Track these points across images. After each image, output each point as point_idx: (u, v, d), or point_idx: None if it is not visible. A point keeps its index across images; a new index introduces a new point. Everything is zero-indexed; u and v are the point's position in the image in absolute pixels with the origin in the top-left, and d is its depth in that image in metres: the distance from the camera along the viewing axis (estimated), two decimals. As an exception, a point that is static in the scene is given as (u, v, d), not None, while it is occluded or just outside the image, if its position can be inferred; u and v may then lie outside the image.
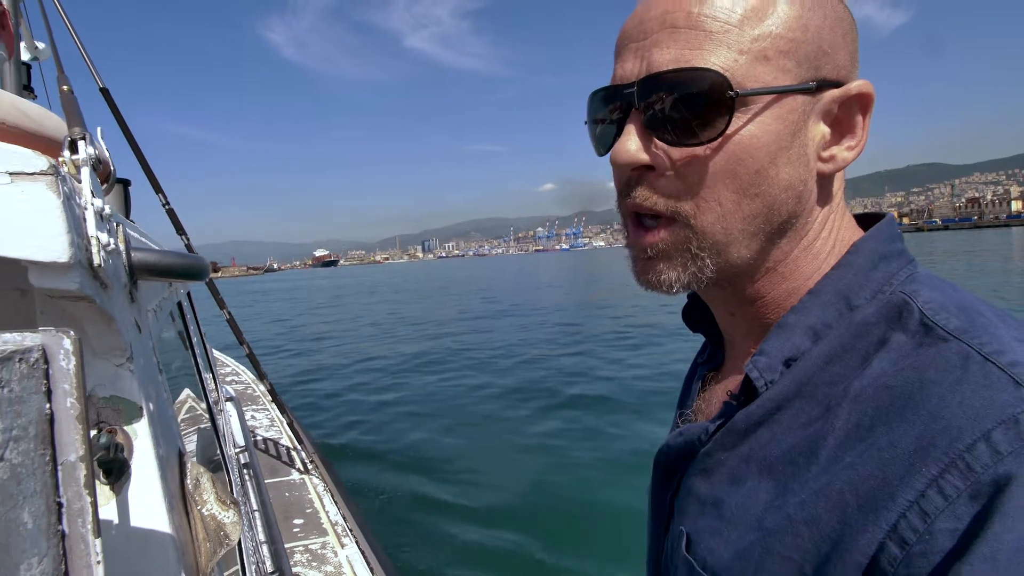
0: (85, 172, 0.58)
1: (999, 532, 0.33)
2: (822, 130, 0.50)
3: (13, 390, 0.32)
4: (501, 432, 7.01)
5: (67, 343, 0.35)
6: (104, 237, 0.53)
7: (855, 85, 0.50)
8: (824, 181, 0.52)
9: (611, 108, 0.53)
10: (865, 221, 0.57)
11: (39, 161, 0.44)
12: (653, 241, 0.52)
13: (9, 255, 0.42)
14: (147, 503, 0.56)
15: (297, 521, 3.38)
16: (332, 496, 3.72)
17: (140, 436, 0.57)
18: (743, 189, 0.48)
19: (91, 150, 0.64)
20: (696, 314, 0.68)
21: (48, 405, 0.35)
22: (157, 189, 3.64)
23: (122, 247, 0.65)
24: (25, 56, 3.74)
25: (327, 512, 3.48)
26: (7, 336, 0.35)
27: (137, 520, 0.55)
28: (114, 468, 0.53)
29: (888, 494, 0.38)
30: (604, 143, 0.56)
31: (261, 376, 4.36)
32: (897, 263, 0.51)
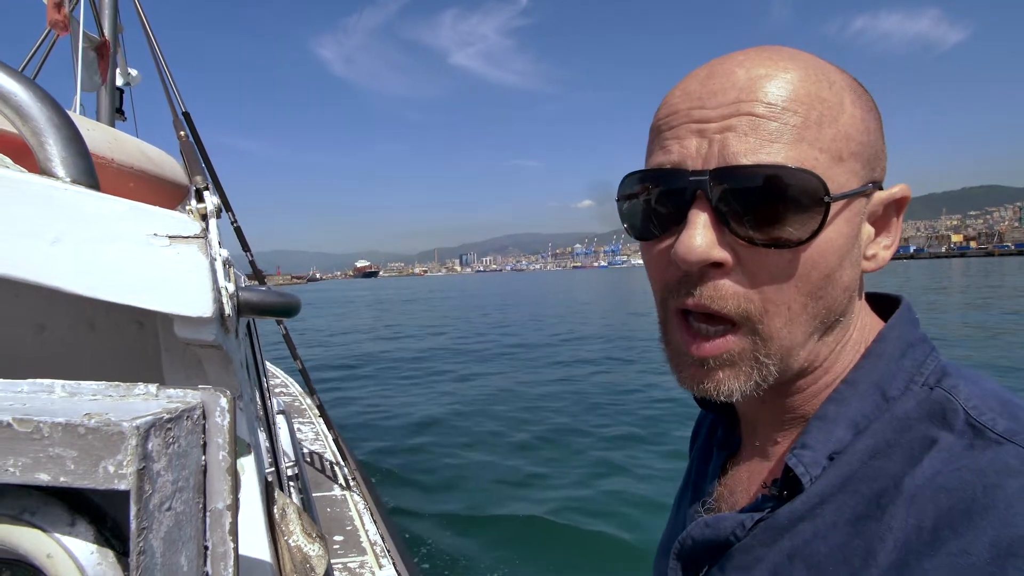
0: (213, 224, 0.64)
1: None
2: (868, 230, 0.51)
3: (181, 445, 0.36)
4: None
5: (223, 402, 0.39)
6: (230, 287, 0.58)
7: (898, 189, 0.51)
8: (861, 276, 0.53)
9: (668, 194, 0.49)
10: (875, 301, 0.57)
11: (193, 225, 0.49)
12: (717, 351, 0.49)
13: (164, 310, 0.47)
14: (250, 535, 0.59)
15: (337, 538, 3.43)
16: (372, 515, 3.76)
17: (247, 471, 0.61)
18: (811, 292, 0.47)
19: (216, 199, 0.70)
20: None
21: (203, 457, 0.39)
22: (227, 208, 3.85)
23: (234, 289, 0.70)
24: (119, 82, 4.07)
25: (367, 531, 3.52)
26: (172, 392, 0.40)
27: (243, 549, 0.59)
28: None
29: None
30: (647, 228, 0.52)
31: (311, 391, 4.49)
32: (922, 350, 0.51)
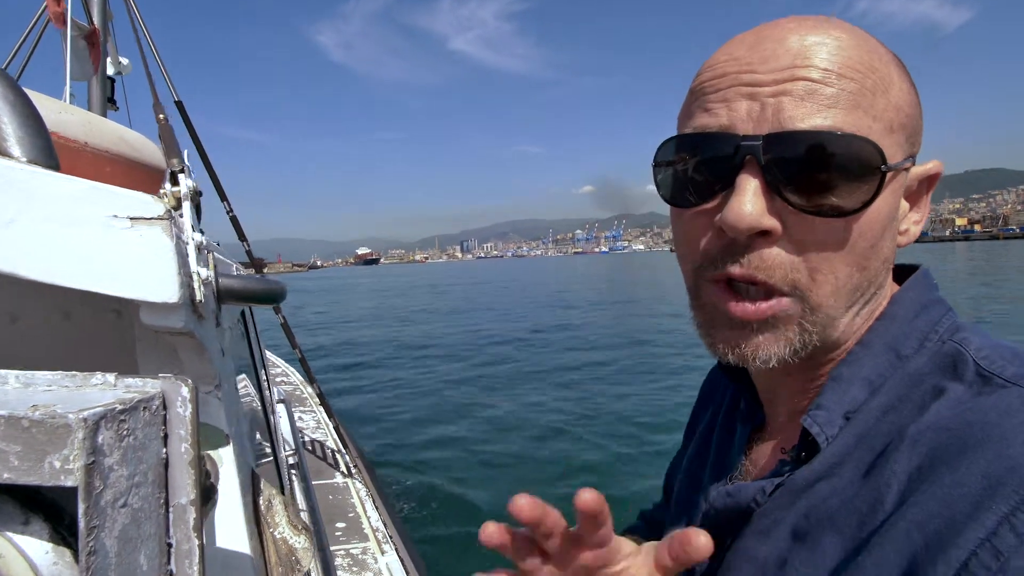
0: (187, 207, 0.61)
1: None
2: (904, 205, 0.51)
3: (137, 437, 0.34)
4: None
5: (184, 391, 0.37)
6: (204, 272, 0.56)
7: (932, 165, 0.51)
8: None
9: (715, 159, 0.47)
10: (895, 270, 0.57)
11: (157, 206, 0.46)
12: (762, 314, 0.47)
13: (125, 295, 0.45)
14: (230, 527, 0.58)
15: (339, 525, 3.44)
16: (373, 501, 3.77)
17: (225, 462, 0.59)
18: (857, 262, 0.47)
19: (191, 183, 0.67)
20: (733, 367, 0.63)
21: (164, 450, 0.37)
22: (223, 198, 3.82)
23: (213, 276, 0.68)
24: (110, 71, 4.01)
25: (368, 517, 3.53)
26: (130, 381, 0.37)
27: (221, 543, 0.57)
28: (204, 494, 0.55)
29: (957, 532, 0.37)
30: (689, 195, 0.50)
31: (311, 379, 4.49)
32: (937, 311, 0.51)
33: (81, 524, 0.31)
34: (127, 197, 0.45)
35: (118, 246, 0.44)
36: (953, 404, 0.43)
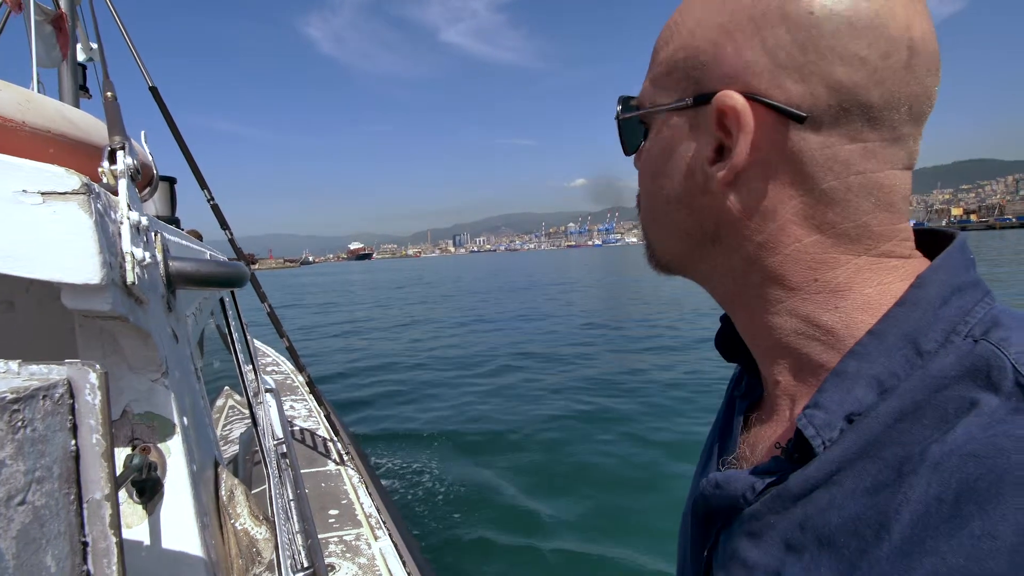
0: (123, 184, 0.58)
1: None
2: (707, 147, 0.53)
3: (36, 429, 0.31)
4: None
5: (93, 377, 0.34)
6: (139, 252, 0.52)
7: (718, 95, 0.46)
8: (772, 202, 0.51)
9: None
10: (930, 239, 0.50)
11: (71, 180, 0.43)
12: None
13: (41, 277, 0.41)
14: (179, 522, 0.55)
15: (332, 512, 3.44)
16: (367, 488, 3.77)
17: (173, 453, 0.56)
18: (644, 192, 0.57)
19: (129, 160, 0.63)
20: (729, 341, 0.61)
21: (73, 442, 0.33)
22: (203, 185, 3.74)
23: (160, 257, 0.64)
24: (81, 57, 3.89)
25: (361, 504, 3.53)
26: (33, 368, 0.34)
27: (169, 539, 0.54)
28: (147, 487, 0.52)
29: None
30: None
31: (300, 368, 4.45)
32: (972, 296, 0.44)
33: (-34, 525, 0.28)
34: (37, 171, 0.42)
35: (30, 224, 0.41)
36: (986, 423, 0.37)
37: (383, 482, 4.49)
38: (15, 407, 0.30)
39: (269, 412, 3.64)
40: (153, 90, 3.84)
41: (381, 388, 9.55)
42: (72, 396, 0.33)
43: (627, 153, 0.56)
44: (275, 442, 3.05)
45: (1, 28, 3.59)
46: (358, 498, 3.62)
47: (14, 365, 0.35)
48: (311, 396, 5.02)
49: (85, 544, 0.34)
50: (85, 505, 0.34)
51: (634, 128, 0.53)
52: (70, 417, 0.33)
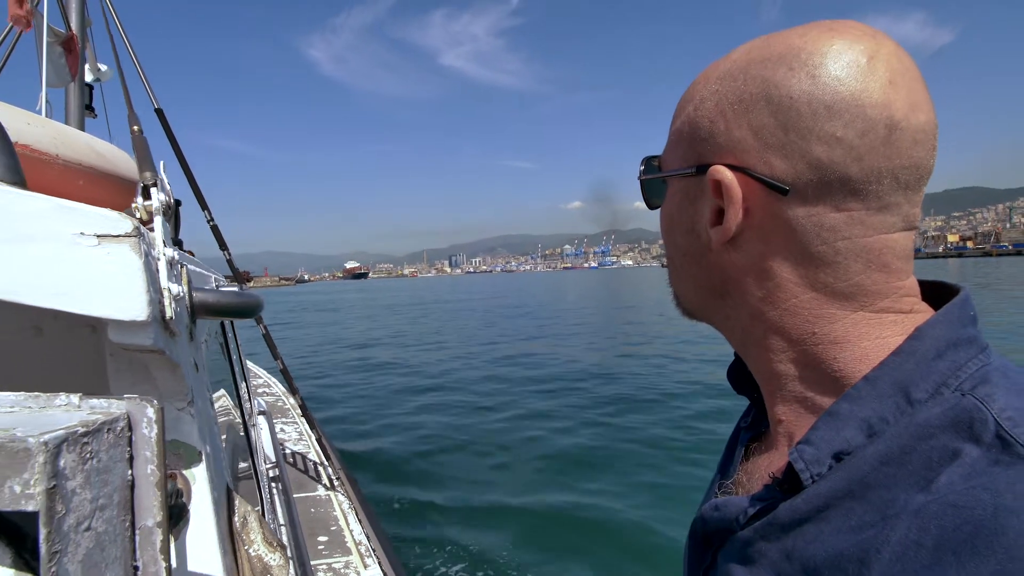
0: (158, 222, 0.61)
1: None
2: (707, 210, 0.58)
3: (101, 459, 0.34)
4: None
5: (150, 411, 0.37)
6: (175, 288, 0.55)
7: (711, 170, 0.53)
8: (772, 265, 0.55)
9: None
10: (934, 291, 0.52)
11: (124, 224, 0.46)
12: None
13: (92, 314, 0.44)
14: (204, 547, 0.57)
15: (322, 538, 3.39)
16: (356, 514, 3.72)
17: (199, 480, 0.58)
18: (670, 245, 0.62)
19: (163, 197, 0.67)
20: (740, 376, 0.65)
21: (130, 472, 0.36)
22: (204, 207, 3.77)
23: (186, 290, 0.67)
24: (88, 78, 3.95)
25: (351, 531, 3.49)
26: (95, 402, 0.37)
27: (194, 564, 0.56)
28: (174, 514, 0.54)
29: None
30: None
31: (293, 391, 4.43)
32: (966, 352, 0.46)
33: (43, 550, 0.31)
34: (94, 214, 0.45)
35: (85, 264, 0.44)
36: (967, 474, 0.39)
37: (373, 508, 4.43)
38: (85, 440, 0.33)
39: (261, 435, 3.61)
40: (159, 112, 3.89)
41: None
42: (130, 429, 0.36)
43: (650, 207, 0.61)
44: (267, 465, 3.02)
45: (11, 49, 3.65)
46: (348, 525, 3.58)
47: (75, 399, 0.38)
48: (303, 419, 4.98)
49: (136, 568, 0.36)
50: (138, 532, 0.36)
51: (656, 186, 0.59)
52: (128, 448, 0.36)
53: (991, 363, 0.45)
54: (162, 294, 0.52)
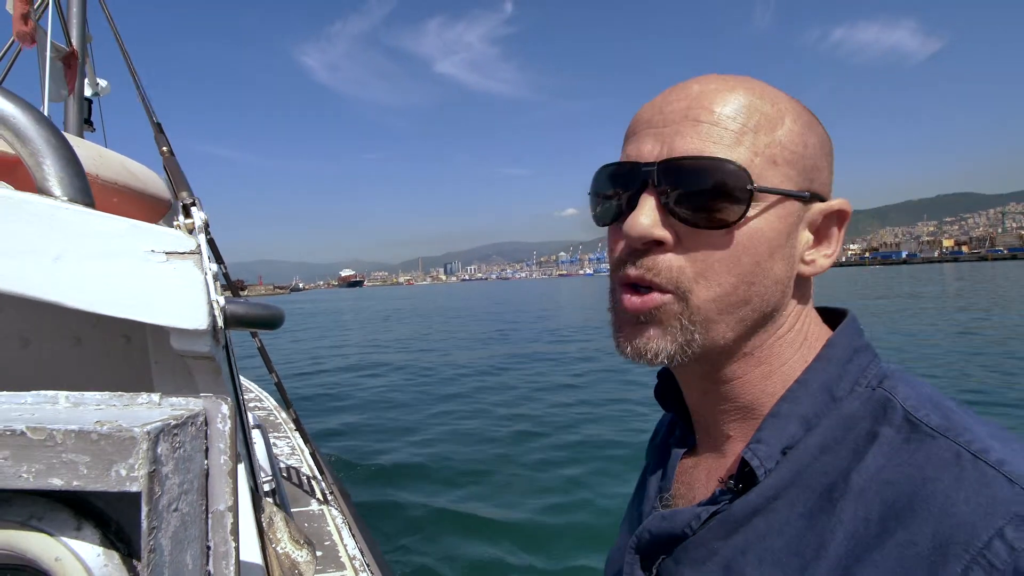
0: (202, 239, 0.66)
1: None
2: (807, 236, 0.57)
3: (186, 450, 0.39)
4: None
5: (225, 409, 0.42)
6: (221, 300, 0.61)
7: (837, 202, 0.57)
8: (802, 281, 0.58)
9: (625, 183, 0.56)
10: (825, 314, 0.63)
11: (189, 242, 0.51)
12: (647, 306, 0.54)
13: (163, 323, 0.49)
14: (244, 539, 0.61)
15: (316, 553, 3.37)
16: (350, 529, 3.71)
17: (239, 478, 0.63)
18: (741, 275, 0.53)
19: (203, 215, 0.72)
20: (667, 393, 0.71)
21: (206, 461, 0.41)
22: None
23: (223, 302, 0.72)
24: (87, 92, 3.99)
25: (345, 545, 3.48)
26: (174, 401, 0.42)
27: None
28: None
29: None
30: (609, 214, 0.59)
31: (287, 405, 4.43)
32: (866, 356, 0.56)
33: (144, 525, 0.35)
34: (162, 234, 0.50)
35: (156, 278, 0.49)
36: (888, 452, 0.48)
37: (367, 522, 4.40)
38: (175, 432, 0.38)
39: (254, 449, 3.60)
40: (158, 127, 3.94)
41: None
42: (207, 424, 0.41)
43: (703, 223, 0.53)
44: (264, 479, 3.02)
45: (12, 63, 3.69)
46: (342, 539, 3.56)
47: (155, 397, 0.43)
48: (296, 433, 4.97)
49: (208, 548, 0.41)
50: (211, 515, 0.41)
51: (725, 195, 0.52)
52: (204, 441, 0.41)
53: (883, 364, 0.56)
54: (213, 305, 0.57)
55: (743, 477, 0.54)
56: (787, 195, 0.53)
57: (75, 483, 0.35)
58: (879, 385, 0.53)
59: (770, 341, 0.57)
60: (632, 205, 0.55)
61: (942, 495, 0.43)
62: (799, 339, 0.58)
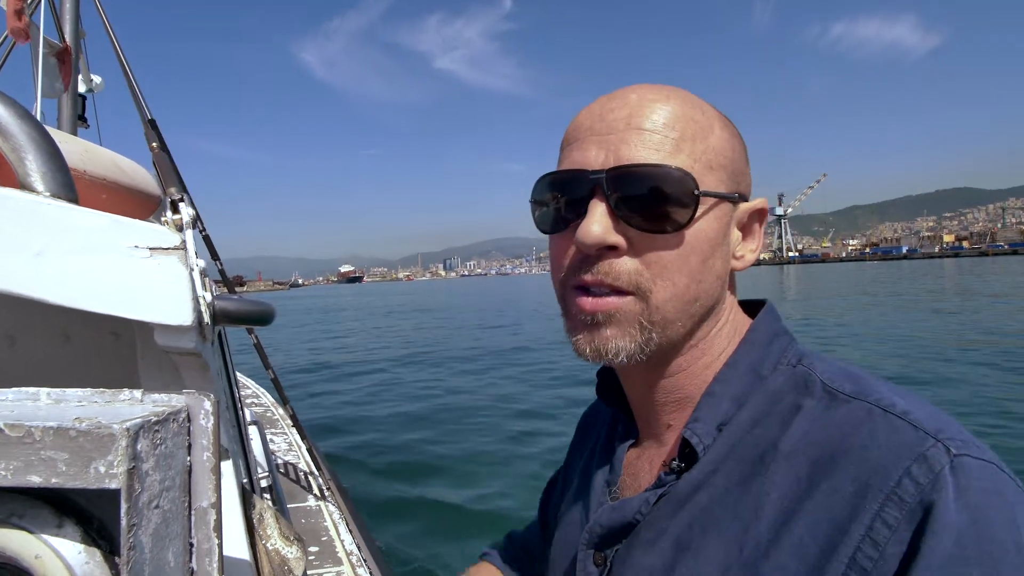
0: (189, 235, 0.65)
1: (933, 547, 0.42)
2: (736, 234, 0.61)
3: (168, 446, 0.38)
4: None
5: (207, 405, 0.41)
6: (207, 296, 0.60)
7: (759, 201, 0.62)
8: (732, 275, 0.63)
9: (571, 190, 0.57)
10: (745, 306, 0.67)
11: (173, 237, 0.51)
12: (605, 307, 0.55)
13: (146, 319, 0.49)
14: (231, 537, 0.61)
15: (312, 549, 3.38)
16: (347, 524, 3.72)
17: (225, 475, 0.63)
18: (692, 274, 0.56)
19: (191, 211, 0.71)
20: (608, 390, 0.74)
21: (188, 458, 0.41)
22: (198, 217, 3.79)
23: (211, 298, 0.72)
24: (81, 88, 3.97)
25: (342, 541, 3.48)
26: (156, 397, 0.42)
27: (224, 552, 0.60)
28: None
29: (842, 531, 0.46)
30: (552, 221, 0.60)
31: (284, 401, 4.43)
32: (785, 339, 0.62)
33: (123, 522, 0.35)
34: (146, 229, 0.50)
35: (139, 274, 0.49)
36: (812, 418, 0.53)
37: (364, 517, 4.41)
38: (156, 428, 0.37)
39: (250, 445, 3.61)
40: (152, 123, 3.92)
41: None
42: (189, 420, 0.41)
43: (654, 227, 0.54)
44: (261, 475, 3.02)
45: (4, 60, 3.66)
46: (339, 535, 3.57)
47: (137, 394, 0.42)
48: (293, 429, 4.97)
49: (191, 545, 0.41)
50: (193, 512, 0.41)
51: (674, 200, 0.54)
52: (187, 437, 0.41)
53: (800, 346, 0.62)
54: (198, 301, 0.57)
55: (685, 457, 0.58)
56: (724, 197, 0.57)
57: (53, 480, 0.35)
58: (799, 363, 0.58)
59: (711, 333, 0.61)
60: (581, 212, 0.56)
61: (859, 446, 0.48)
62: (732, 329, 0.63)
